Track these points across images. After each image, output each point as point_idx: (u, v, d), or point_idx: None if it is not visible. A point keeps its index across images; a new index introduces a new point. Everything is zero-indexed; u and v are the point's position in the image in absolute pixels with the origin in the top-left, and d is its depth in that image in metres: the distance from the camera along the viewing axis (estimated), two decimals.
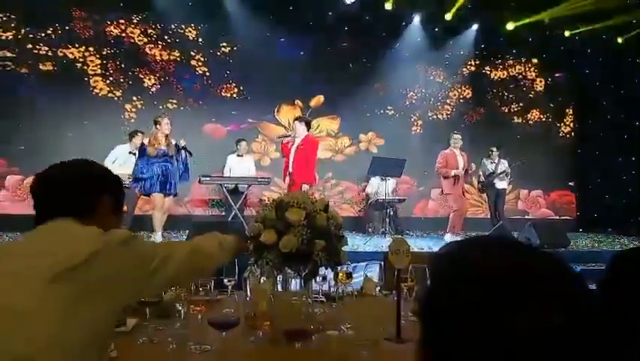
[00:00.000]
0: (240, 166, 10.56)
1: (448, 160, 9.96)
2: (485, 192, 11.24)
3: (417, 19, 12.93)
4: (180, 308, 2.20)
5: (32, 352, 1.29)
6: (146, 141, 8.33)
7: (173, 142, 8.43)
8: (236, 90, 12.00)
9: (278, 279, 2.60)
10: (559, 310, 0.71)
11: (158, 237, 8.23)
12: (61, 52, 10.91)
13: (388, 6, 12.13)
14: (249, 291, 2.47)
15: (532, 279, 0.74)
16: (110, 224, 1.69)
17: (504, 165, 10.94)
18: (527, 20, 12.67)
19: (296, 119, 9.01)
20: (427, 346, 0.82)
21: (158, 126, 8.31)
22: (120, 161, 9.29)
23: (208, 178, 9.92)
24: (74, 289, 1.38)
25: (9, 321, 1.31)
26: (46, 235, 1.57)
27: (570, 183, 14.01)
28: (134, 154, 9.16)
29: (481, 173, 11.11)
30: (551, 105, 14.18)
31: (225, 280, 2.63)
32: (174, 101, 11.53)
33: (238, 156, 10.63)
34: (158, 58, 11.58)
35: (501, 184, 10.96)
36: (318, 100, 12.51)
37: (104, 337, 1.52)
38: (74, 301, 1.37)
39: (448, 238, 9.93)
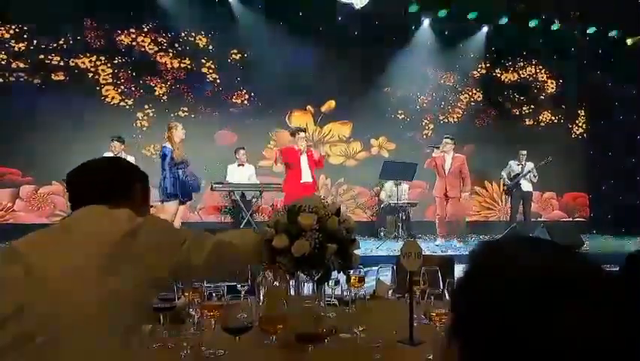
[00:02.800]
0: (241, 175, 10.56)
1: (435, 162, 10.01)
2: (510, 194, 11.21)
3: (427, 22, 12.93)
4: (194, 314, 2.21)
5: (88, 300, 1.53)
6: (168, 145, 8.16)
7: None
8: (247, 97, 12.04)
9: (291, 283, 2.60)
10: (597, 312, 0.71)
11: None
12: (72, 62, 11.00)
13: (413, 9, 12.18)
14: (262, 296, 2.47)
15: (566, 279, 0.75)
16: (141, 211, 1.87)
17: (530, 166, 10.93)
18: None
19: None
20: (457, 335, 0.83)
21: (174, 131, 8.17)
22: None
23: (220, 185, 9.97)
24: (115, 259, 1.60)
25: (70, 279, 1.55)
26: (89, 217, 1.74)
27: (583, 185, 13.94)
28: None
29: (505, 175, 11.11)
30: (563, 107, 14.11)
31: (238, 286, 2.63)
32: (185, 108, 11.57)
33: (239, 165, 10.63)
34: (168, 66, 11.63)
35: (527, 186, 10.97)
36: (329, 105, 12.52)
37: (142, 305, 1.74)
38: (115, 268, 1.59)
39: (439, 242, 9.95)
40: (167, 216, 8.11)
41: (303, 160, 8.73)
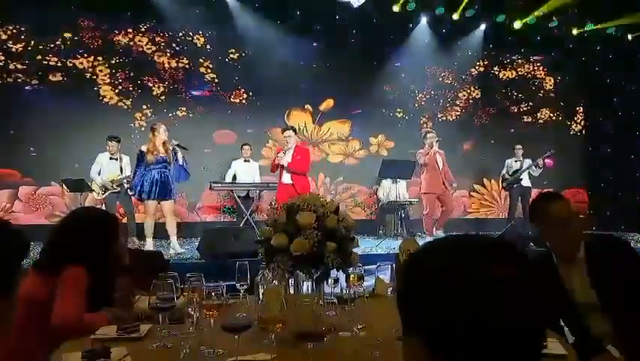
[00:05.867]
0: (245, 171, 10.60)
1: (425, 159, 10.07)
2: (509, 191, 11.21)
3: (424, 20, 12.91)
4: (193, 313, 2.21)
5: None
6: (144, 148, 8.34)
7: (170, 147, 8.42)
8: (245, 96, 12.03)
9: (290, 282, 2.60)
10: (507, 265, 0.93)
11: (149, 244, 8.30)
12: (70, 62, 10.97)
13: (396, 8, 12.11)
14: (261, 295, 2.47)
15: (489, 248, 0.97)
16: None
17: (527, 162, 10.95)
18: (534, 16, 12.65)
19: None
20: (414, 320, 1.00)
21: (155, 133, 8.34)
22: (103, 168, 9.36)
23: (219, 185, 9.96)
24: None
25: None
26: None
27: (582, 182, 13.94)
28: (116, 159, 9.28)
29: (504, 172, 11.11)
30: (561, 104, 14.12)
31: (237, 285, 2.63)
32: (183, 108, 11.56)
33: (245, 161, 10.67)
34: (166, 66, 11.61)
35: (526, 182, 10.98)
36: (327, 104, 12.51)
37: None
38: None
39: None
40: (148, 215, 8.44)
41: (286, 160, 8.65)
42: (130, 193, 8.55)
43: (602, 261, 2.77)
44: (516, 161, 11.06)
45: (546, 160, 11.05)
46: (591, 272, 2.80)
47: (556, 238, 2.88)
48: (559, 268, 2.91)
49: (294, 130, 9.00)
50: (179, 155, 8.45)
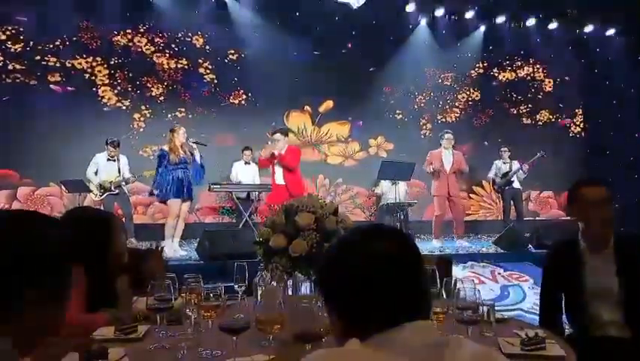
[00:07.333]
0: (246, 173, 10.60)
1: (433, 160, 9.97)
2: (501, 193, 11.19)
3: (424, 22, 12.92)
4: (191, 314, 2.20)
5: None
6: (166, 148, 8.36)
7: (188, 148, 8.53)
8: (244, 97, 12.02)
9: (288, 283, 2.60)
10: (393, 245, 1.28)
11: (167, 246, 8.13)
12: (69, 63, 10.96)
13: (410, 8, 12.19)
14: (259, 296, 2.47)
15: (375, 232, 1.33)
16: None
17: (516, 164, 10.95)
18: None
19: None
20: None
21: (175, 134, 8.37)
22: (100, 169, 9.36)
23: (218, 186, 9.95)
24: None
25: None
26: None
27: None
28: (114, 160, 9.26)
29: (494, 175, 11.09)
30: (560, 106, 14.11)
31: (236, 286, 2.63)
32: (182, 109, 11.55)
33: (246, 163, 10.67)
34: (165, 66, 11.60)
35: (517, 184, 10.97)
36: (327, 105, 12.50)
37: None
38: None
39: (436, 243, 9.86)
40: (171, 215, 8.44)
41: (278, 149, 8.59)
42: (155, 192, 8.48)
43: (633, 252, 2.90)
44: (504, 163, 11.06)
45: (528, 163, 11.03)
46: (619, 261, 2.90)
47: (589, 220, 2.99)
48: (584, 256, 3.01)
49: (285, 133, 8.90)
50: (197, 153, 8.58)
